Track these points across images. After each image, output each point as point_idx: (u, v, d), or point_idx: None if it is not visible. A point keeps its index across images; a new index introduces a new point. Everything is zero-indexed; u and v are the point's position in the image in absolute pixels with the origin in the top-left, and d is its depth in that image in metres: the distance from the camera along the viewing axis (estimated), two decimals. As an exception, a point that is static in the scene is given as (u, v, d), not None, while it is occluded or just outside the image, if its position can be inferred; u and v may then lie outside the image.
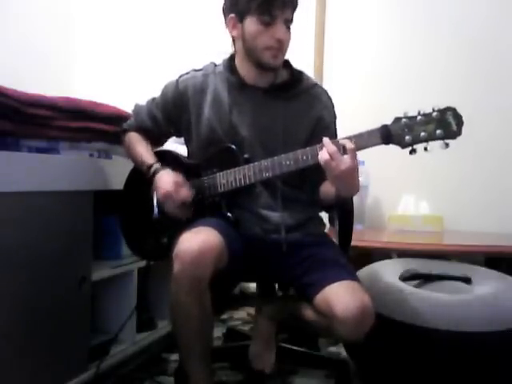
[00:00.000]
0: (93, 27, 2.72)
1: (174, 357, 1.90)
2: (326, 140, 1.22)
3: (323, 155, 1.21)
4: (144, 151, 1.54)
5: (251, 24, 1.37)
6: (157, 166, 1.48)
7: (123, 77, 2.72)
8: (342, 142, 1.21)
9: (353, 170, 1.20)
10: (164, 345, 1.98)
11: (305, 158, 1.29)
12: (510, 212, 2.52)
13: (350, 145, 1.20)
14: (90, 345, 1.61)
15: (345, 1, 2.80)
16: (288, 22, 1.38)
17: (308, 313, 1.37)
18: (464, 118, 1.19)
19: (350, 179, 1.22)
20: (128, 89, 2.58)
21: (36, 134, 1.48)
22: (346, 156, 1.19)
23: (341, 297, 1.25)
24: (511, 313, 1.53)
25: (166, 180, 1.42)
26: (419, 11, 2.68)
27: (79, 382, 1.52)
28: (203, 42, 2.73)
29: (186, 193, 1.42)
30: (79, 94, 1.68)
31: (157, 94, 1.60)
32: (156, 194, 1.46)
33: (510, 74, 2.56)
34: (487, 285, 1.69)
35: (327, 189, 1.40)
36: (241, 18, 1.39)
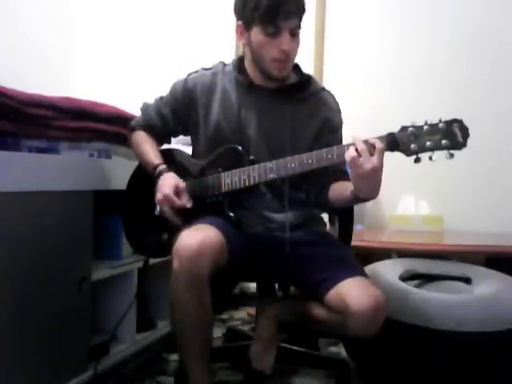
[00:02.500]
0: (93, 27, 2.72)
1: (174, 357, 1.90)
2: (355, 137, 1.20)
3: (351, 152, 1.19)
4: (150, 151, 1.53)
5: (257, 35, 1.36)
6: (162, 167, 1.47)
7: (123, 77, 2.72)
8: (371, 141, 1.19)
9: (378, 171, 1.18)
10: (164, 345, 1.98)
11: (330, 156, 1.27)
12: (510, 212, 2.52)
13: (379, 144, 1.18)
14: (89, 345, 1.61)
15: (345, 1, 2.80)
16: (294, 30, 1.36)
17: (318, 311, 1.36)
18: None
19: (372, 180, 1.20)
20: (128, 89, 2.59)
21: (36, 134, 1.48)
22: (373, 156, 1.18)
23: (355, 291, 1.26)
24: (511, 313, 1.53)
25: (168, 183, 1.41)
26: (419, 12, 2.68)
27: (79, 381, 1.52)
28: (203, 42, 2.74)
29: (183, 200, 1.41)
30: (79, 94, 1.68)
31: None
32: (156, 194, 1.45)
33: (511, 74, 2.56)
34: (487, 285, 1.69)
35: (340, 190, 1.37)
36: (247, 27, 1.38)
